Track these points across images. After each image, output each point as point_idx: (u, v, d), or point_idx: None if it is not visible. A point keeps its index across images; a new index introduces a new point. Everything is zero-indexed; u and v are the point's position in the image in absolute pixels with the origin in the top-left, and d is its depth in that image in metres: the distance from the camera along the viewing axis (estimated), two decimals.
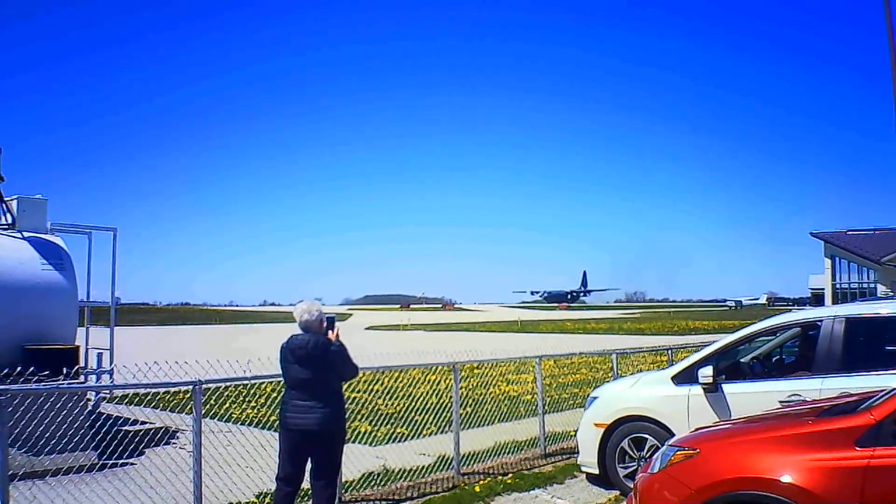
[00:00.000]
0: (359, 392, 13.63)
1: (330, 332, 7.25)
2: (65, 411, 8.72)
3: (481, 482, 9.73)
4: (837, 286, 66.57)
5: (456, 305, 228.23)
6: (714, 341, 9.53)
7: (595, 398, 9.97)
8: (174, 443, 11.84)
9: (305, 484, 7.30)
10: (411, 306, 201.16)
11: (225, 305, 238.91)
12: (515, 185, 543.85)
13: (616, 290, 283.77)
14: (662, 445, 6.28)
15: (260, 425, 12.99)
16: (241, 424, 13.43)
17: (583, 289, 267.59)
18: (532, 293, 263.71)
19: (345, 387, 7.48)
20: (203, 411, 7.92)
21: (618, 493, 9.11)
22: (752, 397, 8.11)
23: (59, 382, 9.61)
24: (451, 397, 10.70)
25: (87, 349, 12.89)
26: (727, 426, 6.28)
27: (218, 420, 13.53)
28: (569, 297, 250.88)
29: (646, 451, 8.97)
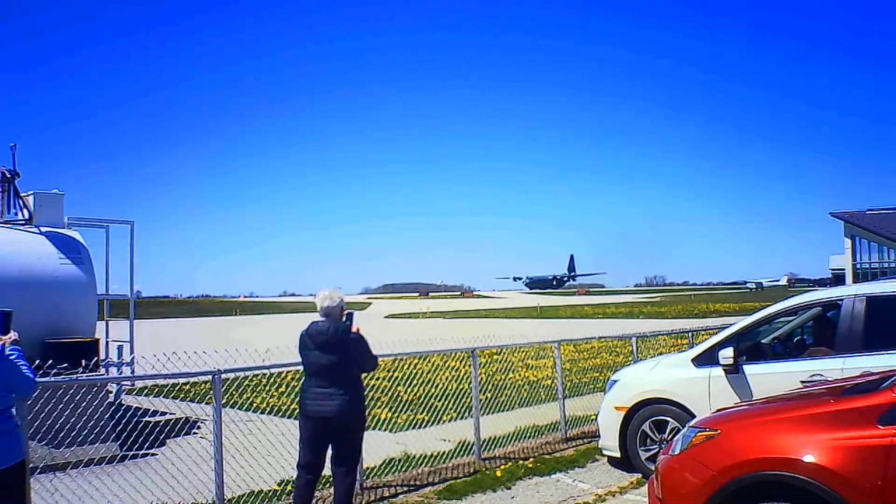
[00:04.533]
0: (378, 379, 13.63)
1: (350, 325, 7.23)
2: (84, 403, 8.74)
3: (502, 467, 9.71)
4: (858, 266, 65.90)
5: (475, 293, 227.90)
6: (734, 323, 9.45)
7: (615, 381, 9.92)
8: (195, 433, 11.87)
9: (326, 471, 7.30)
10: (430, 294, 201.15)
11: (245, 297, 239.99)
12: (506, 173, 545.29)
13: (603, 275, 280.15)
14: (683, 427, 6.24)
15: (280, 413, 13.01)
16: (262, 413, 13.46)
17: (569, 273, 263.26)
18: (515, 279, 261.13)
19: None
20: (223, 401, 7.94)
21: (639, 475, 9.08)
22: (773, 378, 8.04)
23: (79, 375, 9.64)
24: (470, 383, 10.69)
25: (107, 342, 12.94)
26: (748, 407, 6.22)
27: (238, 409, 13.57)
28: (553, 282, 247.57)
29: (667, 433, 8.93)
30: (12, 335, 5.55)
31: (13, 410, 5.48)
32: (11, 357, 5.38)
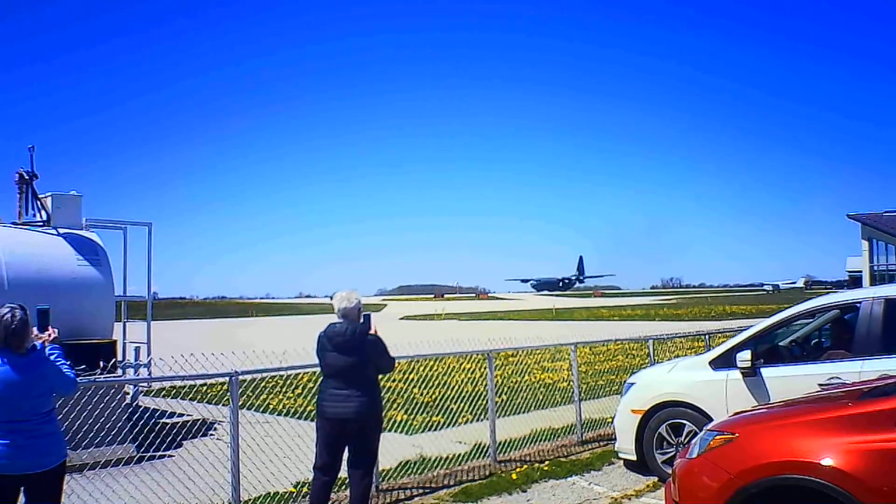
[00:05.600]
0: (394, 381, 13.63)
1: (368, 326, 7.24)
2: (102, 405, 8.76)
3: (518, 469, 9.70)
4: (875, 268, 65.47)
5: (490, 294, 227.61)
6: (752, 325, 9.41)
7: (632, 384, 9.89)
8: (212, 434, 11.90)
9: (343, 473, 7.30)
10: (445, 296, 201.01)
11: (261, 298, 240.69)
12: (517, 174, 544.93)
13: (611, 276, 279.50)
14: (700, 431, 6.22)
15: (297, 415, 13.03)
16: (278, 415, 13.49)
17: (578, 275, 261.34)
18: (523, 281, 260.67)
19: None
20: (240, 402, 7.96)
21: (656, 479, 9.04)
22: (791, 381, 7.99)
23: (96, 376, 9.68)
24: (486, 385, 10.67)
25: (124, 343, 12.98)
26: (766, 410, 6.20)
27: (255, 411, 13.60)
28: (561, 283, 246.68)
29: (684, 436, 8.89)
30: (52, 332, 5.57)
31: (55, 412, 5.50)
32: (52, 356, 5.40)
